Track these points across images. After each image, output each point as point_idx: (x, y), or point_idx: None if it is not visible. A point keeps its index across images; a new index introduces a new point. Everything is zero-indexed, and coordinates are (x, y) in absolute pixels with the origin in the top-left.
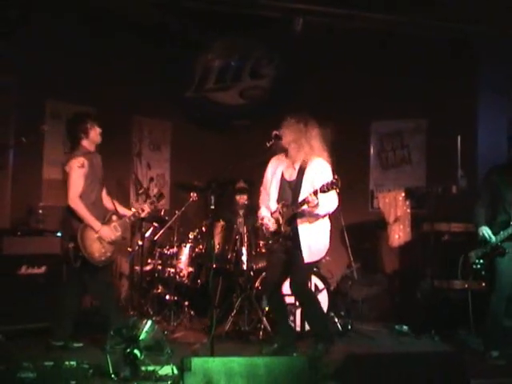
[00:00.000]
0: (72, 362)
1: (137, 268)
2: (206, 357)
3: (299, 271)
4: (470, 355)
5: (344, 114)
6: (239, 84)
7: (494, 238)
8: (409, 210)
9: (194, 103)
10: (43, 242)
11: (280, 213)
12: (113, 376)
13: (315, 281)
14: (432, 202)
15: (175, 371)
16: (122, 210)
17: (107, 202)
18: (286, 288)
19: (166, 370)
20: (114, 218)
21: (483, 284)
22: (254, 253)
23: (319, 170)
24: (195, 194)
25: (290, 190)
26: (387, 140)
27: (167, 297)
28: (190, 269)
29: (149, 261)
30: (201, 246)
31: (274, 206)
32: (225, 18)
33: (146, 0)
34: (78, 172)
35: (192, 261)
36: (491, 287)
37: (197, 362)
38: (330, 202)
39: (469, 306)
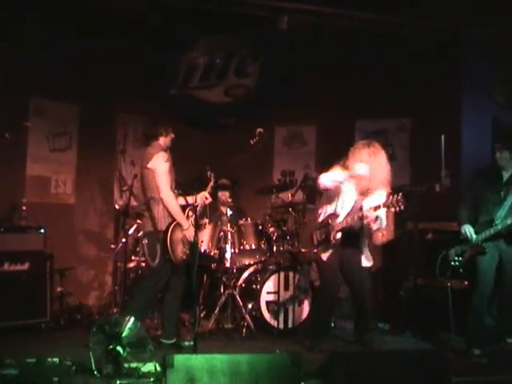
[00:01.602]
0: (55, 359)
1: (120, 265)
2: (189, 354)
3: None
4: (453, 353)
5: (329, 112)
6: (224, 82)
7: (475, 237)
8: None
9: (179, 101)
10: (26, 238)
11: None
12: (95, 373)
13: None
14: (416, 201)
15: (158, 368)
16: (188, 199)
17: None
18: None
19: (149, 366)
20: (190, 213)
21: (466, 283)
22: (237, 250)
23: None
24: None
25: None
26: (371, 139)
27: None
28: None
29: (132, 258)
30: None
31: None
32: (210, 16)
33: None
34: (165, 166)
35: None
36: (473, 286)
37: (179, 359)
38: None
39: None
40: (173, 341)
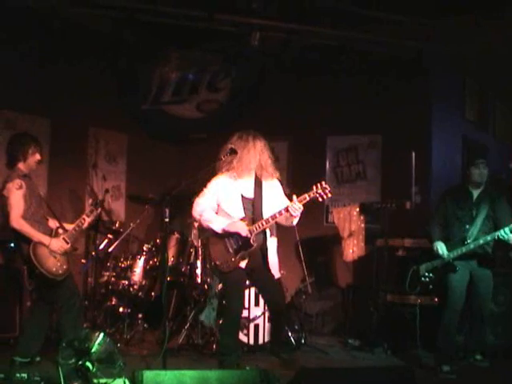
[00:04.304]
0: (23, 375)
1: (90, 280)
2: (158, 370)
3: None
4: (422, 369)
5: (301, 127)
6: (196, 97)
7: (446, 254)
8: (363, 225)
9: (151, 116)
10: None
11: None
12: None
13: None
14: (386, 218)
15: None
16: (66, 226)
17: (50, 221)
18: None
19: (118, 382)
20: (61, 231)
21: (436, 299)
22: (208, 266)
23: (275, 185)
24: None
25: (251, 206)
26: (343, 155)
27: (121, 309)
28: (144, 281)
29: (103, 273)
30: (155, 259)
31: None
32: (183, 32)
33: (103, 11)
34: (17, 194)
35: (146, 273)
36: (444, 303)
37: (149, 375)
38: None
39: (420, 320)
40: (27, 360)
